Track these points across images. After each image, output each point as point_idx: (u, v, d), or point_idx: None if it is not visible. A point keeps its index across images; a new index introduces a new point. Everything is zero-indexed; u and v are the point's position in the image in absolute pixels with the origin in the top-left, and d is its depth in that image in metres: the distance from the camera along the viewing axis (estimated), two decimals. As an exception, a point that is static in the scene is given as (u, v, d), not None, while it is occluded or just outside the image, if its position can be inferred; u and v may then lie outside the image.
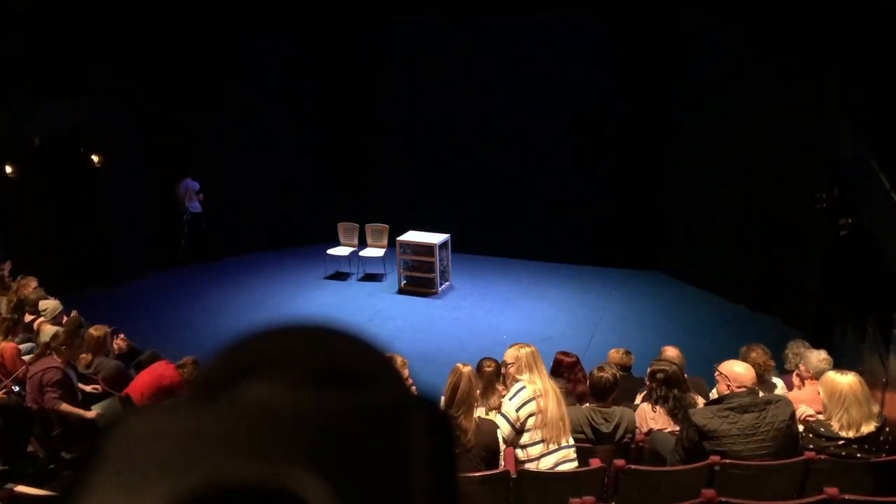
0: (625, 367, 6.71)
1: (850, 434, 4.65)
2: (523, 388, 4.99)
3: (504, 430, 4.90)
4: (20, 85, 10.44)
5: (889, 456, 4.73)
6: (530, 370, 5.06)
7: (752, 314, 10.71)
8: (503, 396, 5.18)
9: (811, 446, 4.75)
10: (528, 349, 5.18)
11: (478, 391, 5.07)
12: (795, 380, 6.08)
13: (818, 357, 6.04)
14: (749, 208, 10.71)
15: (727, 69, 10.61)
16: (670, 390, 5.37)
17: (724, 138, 10.84)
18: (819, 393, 4.96)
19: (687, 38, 11.39)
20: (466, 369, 4.88)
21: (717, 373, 5.03)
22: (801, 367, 6.04)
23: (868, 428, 4.65)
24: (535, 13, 12.41)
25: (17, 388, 6.53)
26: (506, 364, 5.27)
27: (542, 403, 4.91)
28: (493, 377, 5.66)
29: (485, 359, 6.05)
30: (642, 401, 5.69)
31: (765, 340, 6.68)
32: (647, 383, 5.62)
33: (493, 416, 5.09)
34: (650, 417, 5.40)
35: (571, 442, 4.98)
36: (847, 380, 4.73)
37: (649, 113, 11.97)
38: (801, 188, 9.52)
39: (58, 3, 10.97)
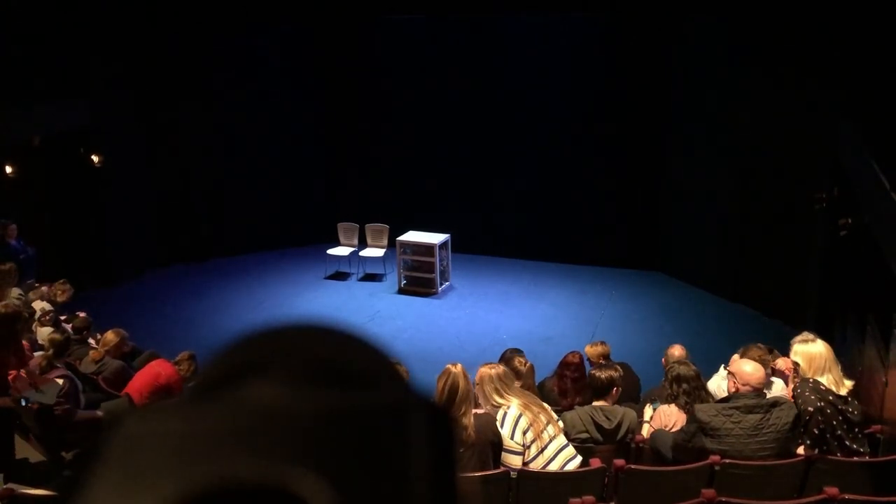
0: (604, 356, 6.85)
1: (842, 391, 4.82)
2: (508, 410, 4.83)
3: (515, 462, 4.72)
4: (20, 85, 10.44)
5: (888, 455, 4.74)
6: (505, 391, 4.92)
7: (752, 314, 10.70)
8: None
9: (816, 403, 4.73)
10: (500, 369, 5.03)
11: (491, 387, 4.97)
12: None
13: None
14: (749, 208, 10.70)
15: (727, 69, 10.61)
16: (680, 387, 5.41)
17: (724, 138, 10.85)
18: (793, 369, 5.06)
19: (687, 38, 11.39)
20: (457, 369, 4.79)
21: (727, 371, 5.08)
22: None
23: (847, 387, 4.91)
24: (535, 13, 12.42)
25: (24, 403, 6.43)
26: (478, 383, 5.03)
27: (533, 411, 4.85)
28: (531, 372, 5.65)
29: (515, 356, 6.05)
30: (663, 402, 5.72)
31: (765, 340, 6.67)
32: (665, 386, 5.67)
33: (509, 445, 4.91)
34: (665, 414, 5.40)
35: (563, 438, 4.93)
36: (820, 345, 5.03)
37: (649, 113, 11.98)
38: (801, 188, 9.52)
39: (58, 2, 10.97)
